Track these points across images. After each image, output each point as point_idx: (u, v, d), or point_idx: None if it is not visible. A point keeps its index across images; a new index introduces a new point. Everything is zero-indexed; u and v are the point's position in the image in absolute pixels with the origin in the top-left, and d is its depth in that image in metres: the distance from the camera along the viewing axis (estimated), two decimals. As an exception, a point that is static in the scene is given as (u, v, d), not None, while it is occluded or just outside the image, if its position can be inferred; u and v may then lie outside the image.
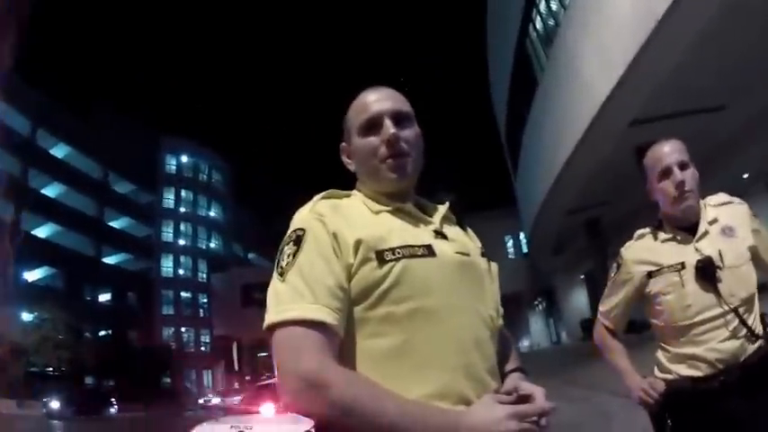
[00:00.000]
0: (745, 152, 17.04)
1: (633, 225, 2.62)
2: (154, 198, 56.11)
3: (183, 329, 54.61)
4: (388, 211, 1.40)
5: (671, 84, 12.49)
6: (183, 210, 59.14)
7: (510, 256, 49.40)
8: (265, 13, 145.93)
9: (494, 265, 1.53)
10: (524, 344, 47.72)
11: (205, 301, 57.70)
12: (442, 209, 1.50)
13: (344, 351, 1.23)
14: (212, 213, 63.60)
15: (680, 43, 11.00)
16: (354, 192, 1.49)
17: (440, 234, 1.40)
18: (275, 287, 1.27)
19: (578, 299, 37.15)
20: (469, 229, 1.58)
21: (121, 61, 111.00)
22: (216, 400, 36.22)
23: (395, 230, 1.33)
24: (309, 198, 1.41)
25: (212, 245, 62.59)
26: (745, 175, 19.36)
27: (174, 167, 59.22)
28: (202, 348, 55.97)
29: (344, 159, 1.55)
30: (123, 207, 51.98)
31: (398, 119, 1.44)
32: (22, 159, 40.02)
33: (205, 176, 63.01)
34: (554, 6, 17.35)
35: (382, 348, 1.24)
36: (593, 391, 11.20)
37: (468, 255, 1.41)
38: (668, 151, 2.33)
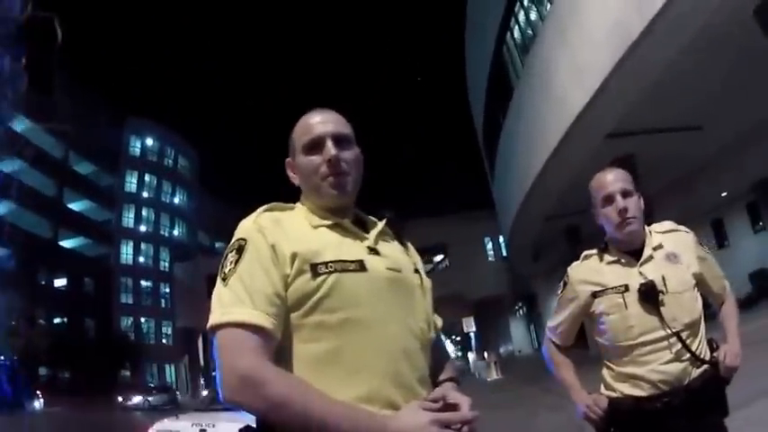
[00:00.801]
0: (723, 172, 18.16)
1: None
2: (116, 181, 53.48)
3: (142, 320, 52.32)
4: (326, 226, 1.52)
5: (648, 100, 12.80)
6: (145, 195, 56.81)
7: (490, 259, 49.12)
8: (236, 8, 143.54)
9: (427, 281, 1.64)
10: (507, 349, 46.98)
11: (167, 290, 55.32)
12: (379, 225, 1.61)
13: (282, 354, 1.36)
14: (177, 200, 61.37)
15: (655, 64, 11.36)
16: (298, 204, 1.62)
17: (373, 250, 1.51)
18: (218, 291, 1.39)
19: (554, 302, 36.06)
20: (410, 245, 1.72)
21: (90, 35, 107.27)
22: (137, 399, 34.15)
23: (330, 245, 1.45)
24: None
25: (176, 232, 60.45)
26: (724, 194, 20.45)
27: (138, 150, 56.75)
28: (164, 341, 53.69)
29: (290, 174, 1.66)
30: (83, 188, 49.22)
31: (339, 140, 1.56)
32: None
33: (171, 161, 60.79)
34: (533, 16, 17.37)
35: (316, 353, 1.36)
36: (569, 400, 10.07)
37: (399, 271, 1.52)
38: (611, 180, 2.42)
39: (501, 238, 42.57)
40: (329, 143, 1.55)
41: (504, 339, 49.06)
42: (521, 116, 19.75)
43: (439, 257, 50.22)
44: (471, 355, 40.76)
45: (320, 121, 1.58)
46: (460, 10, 27.62)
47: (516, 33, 19.12)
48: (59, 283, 45.28)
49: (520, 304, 49.06)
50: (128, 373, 44.73)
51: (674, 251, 2.41)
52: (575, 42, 13.63)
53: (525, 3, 17.61)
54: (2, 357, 33.09)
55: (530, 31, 17.80)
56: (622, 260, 2.43)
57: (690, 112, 14.20)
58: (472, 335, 42.35)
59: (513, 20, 18.93)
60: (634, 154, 15.00)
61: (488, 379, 27.69)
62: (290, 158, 1.64)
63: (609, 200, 2.39)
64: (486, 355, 33.67)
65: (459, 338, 50.26)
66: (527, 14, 17.84)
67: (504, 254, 45.02)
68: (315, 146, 1.56)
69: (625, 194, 2.38)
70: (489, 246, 49.45)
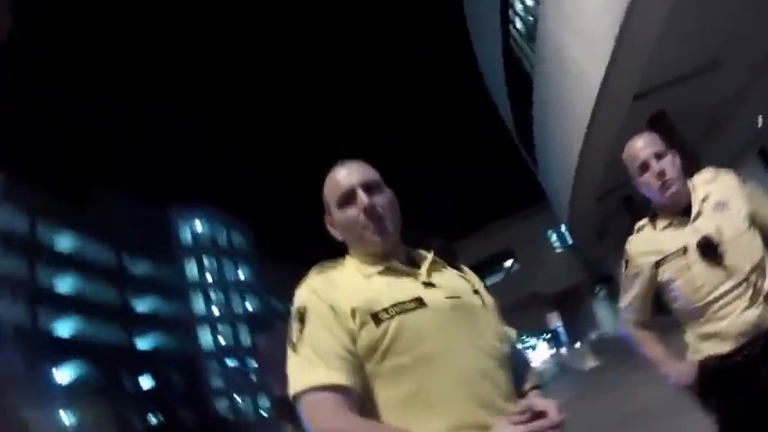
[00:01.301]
0: (755, 100, 17.04)
1: None
2: (176, 272, 54.59)
3: (238, 399, 52.78)
4: (378, 273, 1.56)
5: (663, 51, 12.28)
6: (209, 278, 57.71)
7: (558, 250, 48.21)
8: (253, 60, 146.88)
9: (488, 298, 1.68)
10: (597, 333, 45.83)
11: (255, 365, 55.74)
12: (429, 257, 1.64)
13: (369, 402, 1.41)
14: (241, 275, 62.06)
15: (659, 11, 10.88)
16: (347, 257, 1.66)
17: (428, 284, 1.55)
18: (291, 361, 1.47)
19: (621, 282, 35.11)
20: (465, 268, 1.75)
21: (110, 139, 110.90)
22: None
23: (385, 290, 1.49)
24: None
25: (249, 307, 61.00)
26: (760, 120, 19.39)
27: (189, 237, 57.94)
28: (264, 414, 53.83)
29: (330, 230, 1.70)
30: (146, 287, 50.28)
31: (369, 188, 1.62)
32: (26, 259, 38.60)
33: (224, 240, 61.70)
34: (529, 2, 17.29)
35: (399, 395, 1.40)
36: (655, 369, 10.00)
37: (458, 297, 1.55)
38: (641, 146, 2.43)
39: (563, 227, 41.52)
40: (360, 193, 1.60)
41: (592, 325, 47.56)
42: (546, 102, 19.61)
43: (509, 263, 49.46)
44: (564, 349, 39.64)
45: (346, 174, 1.64)
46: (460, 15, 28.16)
47: (519, 24, 19.11)
48: (146, 384, 46.10)
49: (598, 287, 47.60)
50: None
51: (721, 199, 2.37)
52: (575, 15, 13.46)
53: None
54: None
55: (530, 18, 17.65)
56: (674, 222, 2.42)
57: (704, 50, 13.61)
58: (560, 329, 41.38)
59: (511, 11, 19.02)
60: (665, 109, 14.63)
61: (586, 368, 27.09)
62: (327, 215, 1.69)
63: (644, 167, 2.39)
64: (578, 345, 32.94)
65: (548, 336, 48.91)
66: (523, 2, 17.79)
67: (570, 241, 43.78)
68: (347, 199, 1.61)
69: (659, 156, 2.38)
70: (554, 238, 48.35)
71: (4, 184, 37.34)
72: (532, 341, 47.88)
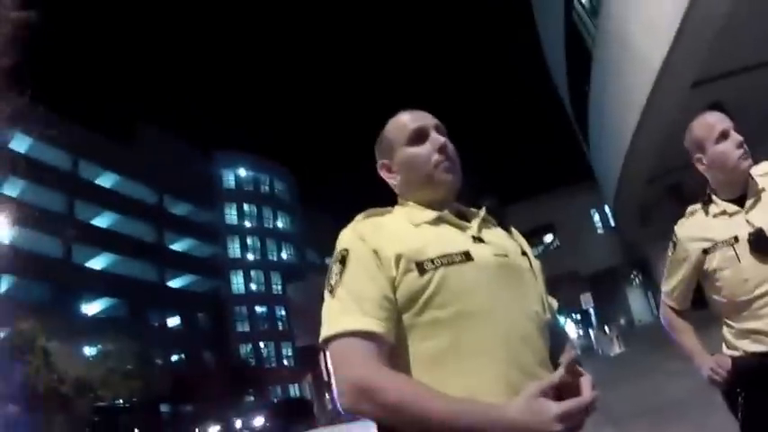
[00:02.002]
0: None
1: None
2: (215, 215, 55.39)
3: (261, 344, 53.84)
4: (427, 222, 1.50)
5: (726, 40, 11.78)
6: (247, 224, 58.45)
7: (599, 231, 47.58)
8: (310, 22, 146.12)
9: (536, 262, 1.61)
10: (627, 319, 45.16)
11: (283, 313, 56.45)
12: (481, 213, 1.59)
13: (399, 355, 1.35)
14: (280, 224, 62.80)
15: None
16: (396, 207, 1.60)
17: (477, 239, 1.49)
18: (327, 304, 1.40)
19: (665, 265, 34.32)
20: (513, 230, 1.70)
21: (162, 81, 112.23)
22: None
23: (433, 241, 1.43)
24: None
25: (284, 255, 61.74)
26: None
27: (232, 182, 58.64)
28: (285, 362, 54.95)
29: (385, 175, 1.65)
30: (183, 228, 51.41)
31: (440, 132, 1.60)
32: (66, 192, 39.55)
33: (267, 187, 62.34)
34: None
35: (433, 350, 1.34)
36: (691, 363, 9.77)
37: (506, 256, 1.49)
38: (719, 117, 2.34)
39: (606, 208, 40.64)
40: (434, 133, 1.58)
41: (623, 310, 46.91)
42: (604, 80, 19.11)
43: (549, 237, 48.86)
44: (592, 332, 39.06)
45: (417, 116, 1.61)
46: None
47: None
48: (172, 322, 47.28)
49: (634, 273, 46.89)
50: (252, 399, 45.85)
51: None
52: None
53: None
54: (121, 401, 34.59)
55: None
56: (728, 210, 2.34)
57: None
58: (591, 310, 40.99)
59: None
60: (722, 101, 13.77)
61: (611, 354, 26.92)
62: (383, 161, 1.64)
63: (725, 135, 2.30)
64: (607, 329, 32.63)
65: (578, 316, 48.32)
66: None
67: (612, 224, 43.01)
68: (419, 137, 1.57)
69: (735, 131, 2.31)
70: (596, 218, 47.64)
71: (53, 119, 38.18)
72: (561, 319, 47.42)
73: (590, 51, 19.37)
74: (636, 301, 47.25)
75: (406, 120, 1.61)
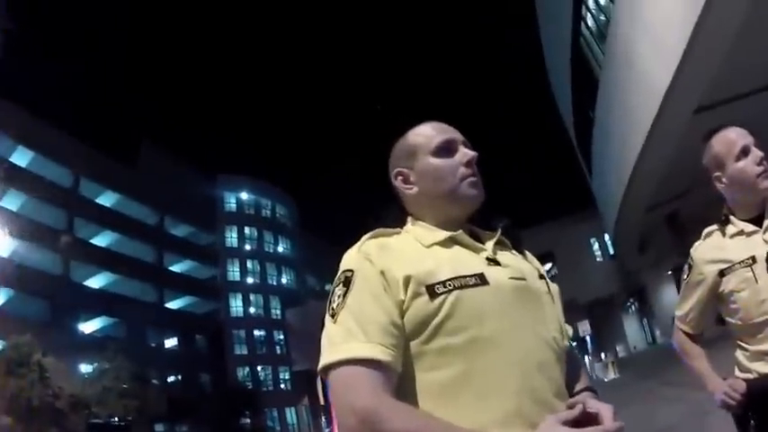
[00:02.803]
0: None
1: (714, 214, 2.48)
2: (215, 238, 55.63)
3: (259, 368, 53.67)
4: (439, 243, 1.42)
5: (731, 66, 12.16)
6: (248, 247, 58.57)
7: (598, 259, 48.50)
8: (315, 39, 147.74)
9: (554, 287, 1.54)
10: (623, 346, 45.43)
11: (281, 337, 56.50)
12: (495, 235, 1.51)
13: (405, 385, 1.27)
14: (280, 248, 62.85)
15: (730, 24, 10.72)
16: (406, 227, 1.52)
17: (493, 261, 1.42)
18: (328, 329, 1.31)
19: (669, 296, 35.19)
20: (528, 253, 1.59)
21: (168, 103, 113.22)
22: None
23: (445, 262, 1.35)
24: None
25: (284, 280, 61.75)
26: None
27: (233, 205, 58.86)
28: (282, 386, 54.76)
29: (400, 184, 1.55)
30: (183, 250, 51.64)
31: (468, 147, 1.52)
32: (66, 209, 39.96)
33: (268, 212, 62.50)
34: (602, 1, 17.00)
35: (443, 380, 1.26)
36: (688, 389, 10.73)
37: (523, 279, 1.42)
38: (741, 133, 2.28)
39: (606, 237, 41.58)
40: (462, 147, 1.51)
41: (619, 337, 47.38)
42: (610, 106, 19.31)
43: (548, 266, 49.07)
44: (588, 358, 39.19)
45: (445, 128, 1.54)
46: (532, 10, 27.78)
47: (590, 21, 18.81)
48: (170, 343, 47.30)
49: (631, 300, 47.53)
50: (248, 421, 45.71)
51: None
52: (648, 18, 13.22)
53: None
54: (116, 419, 34.60)
55: (602, 17, 17.41)
56: (746, 230, 2.27)
57: None
58: (588, 338, 41.07)
59: (584, 8, 18.65)
60: (727, 125, 14.16)
61: (606, 379, 27.20)
62: (401, 168, 1.54)
63: (745, 151, 2.21)
64: (602, 355, 32.94)
65: (575, 343, 48.37)
66: (597, 0, 17.52)
67: (611, 252, 44.04)
68: (448, 149, 1.50)
69: (756, 146, 2.24)
70: (596, 246, 48.65)
71: (57, 135, 38.73)
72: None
73: (596, 76, 19.61)
74: (631, 328, 47.77)
75: (434, 130, 1.54)
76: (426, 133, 1.53)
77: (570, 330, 1.56)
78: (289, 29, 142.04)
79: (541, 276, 1.50)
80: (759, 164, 2.18)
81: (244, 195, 59.72)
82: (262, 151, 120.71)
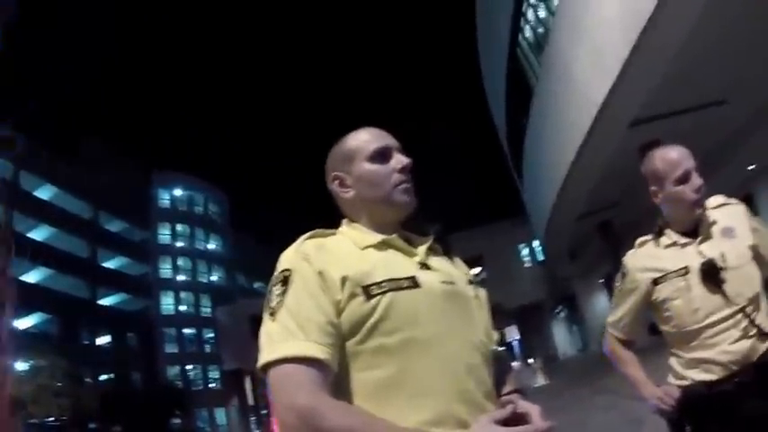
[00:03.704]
0: (750, 144, 17.16)
1: (646, 224, 2.59)
2: (148, 235, 54.66)
3: (189, 367, 53.00)
4: (373, 246, 1.46)
5: (668, 82, 12.31)
6: (180, 244, 57.74)
7: (526, 265, 48.67)
8: (250, 40, 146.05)
9: (482, 292, 1.59)
10: (551, 353, 46.30)
11: (211, 335, 55.93)
12: (427, 240, 1.55)
13: (341, 384, 1.30)
14: (212, 246, 62.12)
15: (672, 41, 10.86)
16: (341, 229, 1.56)
17: (424, 265, 1.46)
18: (267, 327, 1.33)
19: (599, 304, 35.87)
20: (457, 258, 1.64)
21: (108, 97, 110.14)
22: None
23: (380, 265, 1.39)
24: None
25: (214, 278, 61.08)
26: (751, 167, 19.55)
27: (167, 202, 57.93)
28: (212, 385, 54.18)
29: (336, 188, 1.59)
30: (116, 246, 50.47)
31: (403, 154, 1.58)
32: (5, 203, 38.54)
33: (201, 209, 61.73)
34: (542, 14, 17.07)
35: (377, 379, 1.30)
36: (621, 397, 10.75)
37: (453, 283, 1.46)
38: (684, 156, 2.35)
39: (535, 243, 42.27)
40: (397, 154, 1.56)
41: (548, 344, 48.09)
42: (544, 116, 19.24)
43: (476, 270, 49.62)
44: (516, 363, 40.26)
45: (382, 134, 1.59)
46: (471, 20, 27.68)
47: (528, 33, 18.82)
48: (102, 340, 46.27)
49: (560, 307, 48.17)
50: (179, 421, 45.26)
51: (728, 225, 2.35)
52: (588, 33, 13.28)
53: (532, 1, 17.40)
54: (51, 418, 33.78)
55: (541, 29, 17.47)
56: (680, 241, 2.37)
57: (712, 87, 13.78)
58: (515, 343, 41.91)
59: (522, 20, 18.67)
60: (660, 139, 14.47)
61: (535, 385, 27.14)
62: (338, 172, 1.58)
63: (685, 178, 2.30)
64: (531, 361, 33.44)
65: (502, 348, 49.46)
66: (536, 12, 17.53)
67: (540, 258, 44.41)
68: (383, 155, 1.55)
69: (696, 171, 2.33)
70: (525, 252, 49.01)
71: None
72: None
73: (531, 86, 19.66)
74: (560, 334, 48.38)
75: (371, 135, 1.58)
76: (363, 138, 1.57)
77: (497, 335, 1.62)
78: (224, 25, 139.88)
79: (470, 282, 1.56)
80: (697, 191, 2.29)
81: (177, 192, 58.84)
82: (195, 148, 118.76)
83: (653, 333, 2.67)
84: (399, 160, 1.55)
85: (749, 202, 22.03)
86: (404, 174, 1.53)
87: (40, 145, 42.32)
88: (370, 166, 1.53)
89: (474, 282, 1.59)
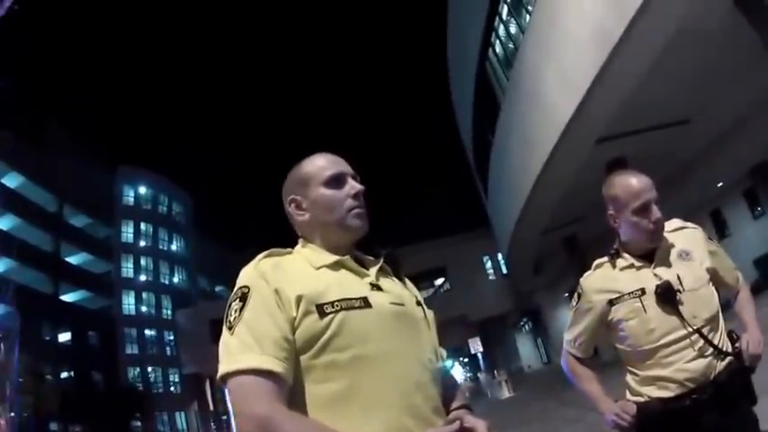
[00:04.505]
0: (717, 162, 17.99)
1: (611, 239, 2.59)
2: (112, 232, 53.30)
3: (149, 369, 51.64)
4: (327, 266, 1.54)
5: (634, 101, 12.72)
6: (142, 243, 56.43)
7: (491, 278, 48.66)
8: (225, 38, 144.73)
9: (429, 313, 1.67)
10: (516, 365, 46.56)
11: (171, 338, 54.60)
12: (378, 262, 1.64)
13: (295, 397, 1.37)
14: (174, 247, 60.93)
15: (639, 63, 11.26)
16: (297, 248, 1.65)
17: (375, 286, 1.55)
18: (225, 340, 1.41)
19: (564, 317, 35.43)
20: (407, 280, 1.74)
21: (78, 88, 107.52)
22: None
23: (333, 285, 1.47)
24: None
25: (176, 279, 59.85)
26: (720, 184, 20.42)
27: (131, 199, 56.59)
28: (172, 388, 52.91)
29: (293, 210, 1.67)
30: (80, 241, 48.98)
31: (356, 181, 1.67)
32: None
33: (165, 208, 60.48)
34: (513, 30, 17.16)
35: (329, 393, 1.37)
36: (587, 410, 11.09)
37: (402, 305, 1.55)
38: (645, 187, 2.36)
39: (499, 256, 42.03)
40: (351, 180, 1.66)
41: (513, 356, 48.46)
42: (510, 131, 19.39)
43: (440, 281, 49.91)
44: (481, 376, 40.45)
45: (337, 161, 1.69)
46: (442, 32, 27.60)
47: (498, 48, 18.84)
48: (64, 337, 44.82)
49: (525, 320, 48.76)
50: (138, 424, 44.17)
51: (685, 248, 2.42)
52: (557, 51, 13.50)
53: (504, 17, 17.40)
54: (13, 414, 32.63)
55: (511, 45, 17.54)
56: (636, 264, 2.43)
57: (677, 107, 14.26)
58: (479, 355, 41.99)
59: (493, 35, 18.68)
60: (625, 156, 14.74)
61: (501, 398, 27.54)
62: (294, 195, 1.67)
63: (644, 209, 2.34)
64: (495, 373, 33.46)
65: (466, 360, 49.74)
66: (507, 28, 17.57)
67: (504, 271, 44.57)
68: (337, 181, 1.64)
69: (656, 203, 2.36)
70: (489, 264, 48.97)
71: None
72: (449, 362, 48.46)
73: (498, 100, 19.75)
74: (525, 347, 48.93)
75: (327, 162, 1.67)
76: (319, 164, 1.67)
77: (444, 353, 1.71)
78: (198, 21, 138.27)
79: (418, 303, 1.65)
80: (655, 223, 2.34)
81: (142, 189, 57.60)
82: (161, 146, 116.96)
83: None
84: (353, 186, 1.64)
85: (718, 217, 22.85)
86: (357, 200, 1.63)
87: (7, 132, 41.00)
88: (325, 191, 1.63)
89: (422, 303, 1.67)
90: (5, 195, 40.73)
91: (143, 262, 55.78)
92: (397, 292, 1.59)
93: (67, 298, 46.87)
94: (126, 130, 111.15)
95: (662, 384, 2.30)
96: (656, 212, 2.33)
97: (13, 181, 42.72)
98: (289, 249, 1.63)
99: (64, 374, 42.89)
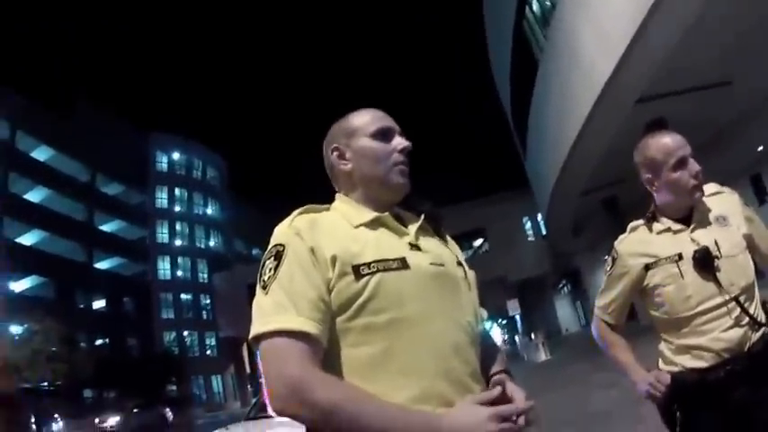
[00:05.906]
0: (757, 126, 17.14)
1: (650, 203, 2.46)
2: (145, 198, 53.80)
3: (185, 333, 52.53)
4: (365, 224, 1.46)
5: (675, 61, 12.33)
6: (177, 209, 57.01)
7: (530, 239, 47.93)
8: (253, 6, 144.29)
9: (470, 273, 1.59)
10: (554, 328, 45.86)
11: (208, 302, 55.45)
12: (419, 220, 1.56)
13: (330, 360, 1.32)
14: (209, 211, 61.48)
15: (679, 21, 10.86)
16: (334, 204, 1.57)
17: (414, 246, 1.47)
18: (259, 300, 1.35)
19: (603, 280, 35.15)
20: (449, 238, 1.66)
21: (105, 58, 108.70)
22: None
23: (371, 244, 1.40)
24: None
25: (212, 243, 60.55)
26: (760, 148, 19.56)
27: (165, 165, 57.00)
28: (208, 352, 53.88)
29: (334, 159, 1.59)
30: (113, 209, 49.68)
31: (404, 138, 1.60)
32: (1, 164, 37.69)
33: (199, 173, 60.93)
34: None
35: (365, 356, 1.32)
36: (621, 375, 10.12)
37: (442, 265, 1.47)
38: (680, 142, 2.28)
39: (539, 217, 41.35)
40: (398, 136, 1.58)
41: (551, 319, 47.88)
42: (548, 90, 19.25)
43: (479, 241, 49.36)
44: (518, 338, 39.83)
45: (384, 116, 1.60)
46: None
47: (535, 6, 18.70)
48: (98, 305, 45.71)
49: (563, 282, 47.96)
50: (174, 388, 44.83)
51: (722, 213, 2.31)
52: (596, 9, 13.20)
53: None
54: (46, 383, 33.19)
55: (548, 3, 17.32)
56: (673, 228, 2.31)
57: (718, 67, 13.66)
58: (517, 317, 41.56)
59: None
60: (665, 117, 14.31)
61: (537, 360, 27.08)
62: (338, 144, 1.57)
63: (682, 163, 2.23)
64: (533, 336, 33.12)
65: (504, 322, 49.27)
66: None
67: (544, 232, 43.77)
68: (384, 134, 1.55)
69: (692, 157, 2.26)
70: (528, 225, 48.31)
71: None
72: (488, 324, 48.11)
73: (536, 61, 19.62)
74: (563, 309, 48.28)
75: (374, 115, 1.59)
76: (366, 116, 1.58)
77: (485, 314, 1.65)
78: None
79: (459, 263, 1.56)
80: (695, 177, 2.23)
81: (175, 155, 57.95)
82: (196, 110, 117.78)
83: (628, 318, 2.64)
84: (400, 141, 1.56)
85: (758, 182, 21.67)
86: (403, 155, 1.56)
87: (35, 104, 41.26)
88: (371, 143, 1.54)
89: (463, 263, 1.58)
90: (35, 168, 41.20)
91: (178, 227, 56.40)
92: (436, 252, 1.50)
93: (102, 265, 47.66)
94: (156, 96, 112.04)
95: (697, 353, 2.21)
96: (694, 165, 2.24)
97: (42, 154, 43.18)
98: (326, 206, 1.55)
99: (99, 341, 43.75)
